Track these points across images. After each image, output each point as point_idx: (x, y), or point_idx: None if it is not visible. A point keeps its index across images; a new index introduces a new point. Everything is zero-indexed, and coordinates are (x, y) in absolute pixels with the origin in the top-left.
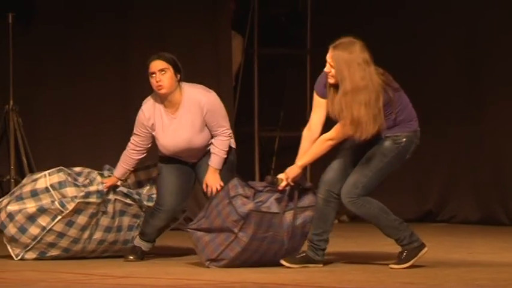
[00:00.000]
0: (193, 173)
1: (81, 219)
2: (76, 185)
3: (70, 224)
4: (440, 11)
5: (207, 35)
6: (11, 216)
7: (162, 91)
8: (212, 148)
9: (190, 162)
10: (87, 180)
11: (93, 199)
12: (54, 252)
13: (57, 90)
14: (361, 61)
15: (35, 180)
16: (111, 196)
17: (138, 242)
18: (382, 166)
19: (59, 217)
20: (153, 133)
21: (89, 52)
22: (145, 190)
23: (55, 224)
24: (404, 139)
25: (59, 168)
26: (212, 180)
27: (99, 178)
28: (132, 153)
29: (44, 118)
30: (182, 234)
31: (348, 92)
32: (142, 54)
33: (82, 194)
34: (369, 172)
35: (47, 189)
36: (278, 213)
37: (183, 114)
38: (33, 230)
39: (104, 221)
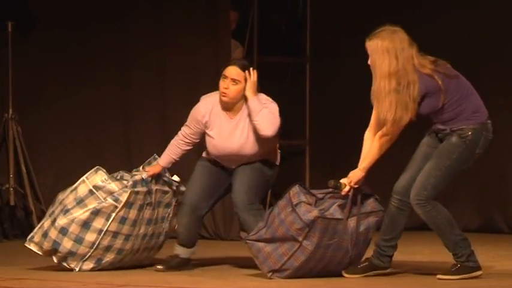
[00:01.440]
0: (228, 180)
1: (132, 214)
2: (118, 179)
3: (123, 221)
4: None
5: (207, 43)
6: (63, 230)
7: (225, 99)
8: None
9: (229, 168)
10: (128, 176)
11: (140, 188)
12: (109, 257)
13: (56, 99)
14: (391, 48)
15: (74, 189)
16: (153, 186)
17: (176, 248)
18: (450, 164)
19: (114, 214)
20: (206, 131)
21: (88, 60)
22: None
23: (110, 223)
24: (470, 132)
25: (95, 168)
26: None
27: (141, 169)
28: (180, 143)
29: (44, 127)
30: None
31: (376, 79)
32: (142, 63)
33: (130, 183)
34: (437, 171)
35: (91, 192)
36: (342, 220)
37: (242, 120)
38: (90, 237)
39: (147, 213)
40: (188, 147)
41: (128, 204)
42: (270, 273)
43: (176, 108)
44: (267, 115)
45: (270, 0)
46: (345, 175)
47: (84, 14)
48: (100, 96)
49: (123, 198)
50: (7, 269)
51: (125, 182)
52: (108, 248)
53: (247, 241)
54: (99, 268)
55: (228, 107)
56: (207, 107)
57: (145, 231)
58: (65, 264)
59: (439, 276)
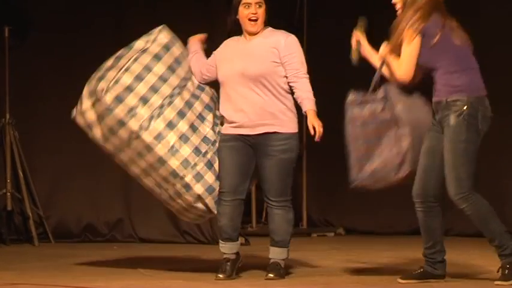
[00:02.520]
0: (254, 157)
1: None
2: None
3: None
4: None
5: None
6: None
7: (255, 27)
8: (299, 92)
9: (250, 135)
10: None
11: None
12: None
13: (53, 104)
14: None
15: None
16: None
17: (222, 247)
18: (466, 146)
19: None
20: (216, 62)
21: (85, 66)
22: None
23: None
24: (465, 107)
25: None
26: (317, 122)
27: None
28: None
29: (41, 132)
30: (180, 247)
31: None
32: None
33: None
34: (460, 159)
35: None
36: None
37: (259, 42)
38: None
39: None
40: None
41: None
42: (397, 173)
43: None
44: (310, 89)
45: (268, 8)
46: (342, 177)
47: (81, 19)
48: None
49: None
50: (4, 274)
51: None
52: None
53: (356, 184)
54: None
55: (254, 33)
56: (224, 44)
57: (179, 84)
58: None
59: (496, 282)
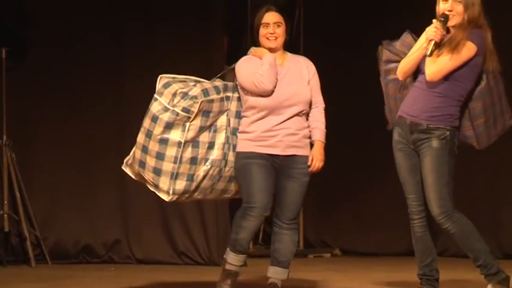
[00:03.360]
0: (275, 175)
1: (203, 121)
2: (182, 81)
3: (200, 129)
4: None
5: (200, 65)
6: (144, 148)
7: (273, 44)
8: (313, 122)
9: (279, 156)
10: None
11: (213, 96)
12: (198, 169)
13: (50, 125)
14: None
15: (148, 109)
16: (230, 93)
17: (231, 257)
18: (448, 167)
19: (188, 124)
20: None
21: (82, 87)
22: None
23: (187, 132)
24: (448, 132)
25: (164, 82)
26: (320, 155)
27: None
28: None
29: (38, 153)
30: (177, 268)
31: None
32: (136, 91)
33: (199, 91)
34: (443, 179)
35: (154, 99)
36: None
37: (291, 66)
38: (170, 151)
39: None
40: None
41: (204, 113)
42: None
43: None
44: (324, 121)
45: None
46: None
47: (79, 39)
48: (94, 123)
49: (194, 109)
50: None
51: (190, 83)
52: (193, 160)
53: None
54: (194, 187)
55: (273, 49)
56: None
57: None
58: (158, 194)
59: None
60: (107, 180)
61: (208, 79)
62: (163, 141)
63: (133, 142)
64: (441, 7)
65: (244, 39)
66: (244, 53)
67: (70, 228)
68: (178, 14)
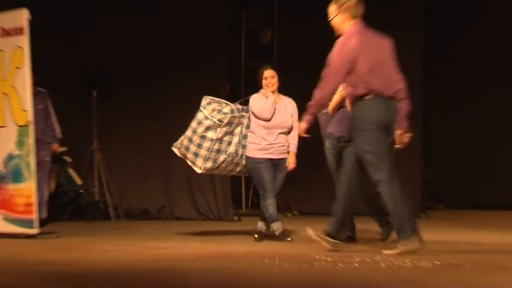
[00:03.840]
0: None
1: (229, 128)
2: (218, 102)
3: (225, 133)
4: None
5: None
6: (190, 139)
7: (271, 89)
8: (291, 139)
9: (277, 158)
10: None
11: (236, 113)
12: (220, 157)
13: (126, 136)
14: None
15: (195, 117)
16: (244, 113)
17: (274, 225)
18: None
19: (219, 129)
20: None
21: (144, 110)
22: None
23: (218, 133)
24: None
25: (207, 100)
26: (292, 161)
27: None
28: None
29: (116, 154)
30: (199, 222)
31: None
32: (175, 108)
33: (229, 109)
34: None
35: (200, 110)
36: None
37: (282, 104)
38: (206, 143)
39: (237, 128)
40: None
41: (229, 123)
42: None
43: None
44: (297, 141)
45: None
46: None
47: (155, 64)
48: (146, 132)
49: (225, 120)
50: (94, 238)
51: (224, 104)
52: (218, 151)
53: None
54: (216, 166)
55: (272, 94)
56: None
57: (238, 141)
58: (192, 165)
59: (383, 251)
60: (156, 168)
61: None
62: (203, 137)
63: (172, 141)
64: None
65: (239, 85)
66: (242, 96)
67: (135, 198)
68: (189, 66)
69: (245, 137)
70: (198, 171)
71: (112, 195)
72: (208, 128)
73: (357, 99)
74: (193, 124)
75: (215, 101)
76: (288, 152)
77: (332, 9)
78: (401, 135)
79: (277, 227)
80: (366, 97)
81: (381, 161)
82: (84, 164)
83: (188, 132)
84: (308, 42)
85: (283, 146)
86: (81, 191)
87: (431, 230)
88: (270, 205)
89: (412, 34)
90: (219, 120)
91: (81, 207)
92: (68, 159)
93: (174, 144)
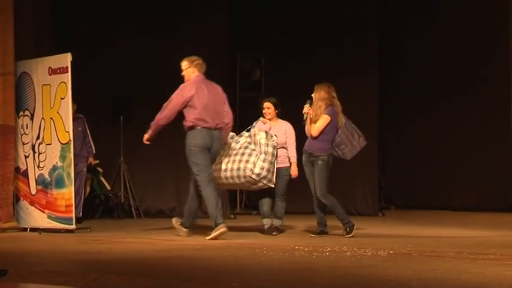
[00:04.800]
0: None
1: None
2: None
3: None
4: None
5: None
6: (271, 163)
7: (268, 117)
8: (291, 154)
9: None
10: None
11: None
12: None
13: (145, 151)
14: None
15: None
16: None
17: (275, 221)
18: (325, 173)
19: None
20: None
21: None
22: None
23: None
24: (326, 156)
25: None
26: (294, 169)
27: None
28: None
29: (139, 165)
30: (203, 219)
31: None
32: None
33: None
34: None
35: (262, 141)
36: None
37: (277, 126)
38: (273, 158)
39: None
40: None
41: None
42: None
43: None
44: (295, 154)
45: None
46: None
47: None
48: (162, 148)
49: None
50: (119, 233)
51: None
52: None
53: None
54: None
55: (270, 121)
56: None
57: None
58: (270, 184)
59: (345, 236)
60: (169, 176)
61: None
62: (273, 155)
63: (181, 155)
64: (305, 108)
65: (235, 113)
66: (237, 122)
67: (152, 200)
68: None
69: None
70: (273, 185)
71: (134, 198)
72: (274, 147)
73: (189, 128)
74: (269, 150)
75: (252, 133)
76: (290, 163)
77: (185, 63)
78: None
79: (266, 222)
80: (196, 128)
81: (203, 171)
82: (113, 173)
83: (268, 158)
84: (288, 79)
85: (280, 157)
86: (110, 194)
87: (386, 226)
88: (265, 204)
89: (368, 70)
90: (273, 140)
91: (110, 207)
92: (100, 169)
93: (261, 178)
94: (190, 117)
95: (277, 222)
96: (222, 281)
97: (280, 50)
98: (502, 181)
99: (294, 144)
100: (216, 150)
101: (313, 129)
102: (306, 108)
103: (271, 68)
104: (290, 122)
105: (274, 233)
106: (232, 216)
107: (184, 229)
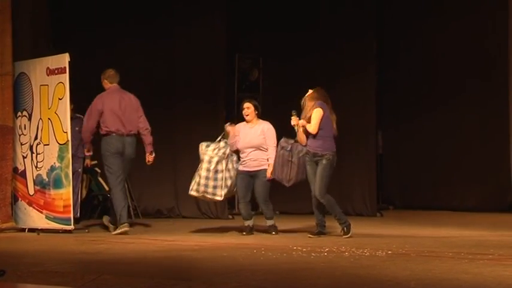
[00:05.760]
0: (252, 181)
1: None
2: (213, 142)
3: (227, 162)
4: None
5: (211, 124)
6: (206, 178)
7: (247, 118)
8: (269, 156)
9: (251, 170)
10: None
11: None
12: (228, 181)
13: (143, 153)
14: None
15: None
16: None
17: (245, 221)
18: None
19: (224, 160)
20: (236, 136)
21: (158, 133)
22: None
23: (224, 164)
24: (331, 156)
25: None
26: (271, 171)
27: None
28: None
29: (136, 166)
30: (201, 220)
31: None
32: (184, 135)
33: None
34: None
35: (203, 154)
36: None
37: (255, 129)
38: (219, 175)
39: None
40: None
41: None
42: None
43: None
44: (274, 156)
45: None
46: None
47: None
48: (159, 150)
49: (227, 151)
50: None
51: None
52: (227, 178)
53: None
54: (229, 190)
55: (249, 122)
56: (238, 125)
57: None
58: (212, 197)
59: (343, 236)
60: (166, 177)
61: (216, 134)
62: (216, 172)
63: (179, 158)
64: (293, 120)
65: (233, 113)
66: (236, 121)
67: (150, 201)
68: (194, 99)
69: (232, 161)
70: (220, 199)
71: (132, 199)
72: (217, 163)
73: (103, 135)
74: (204, 166)
75: (210, 143)
76: (268, 165)
77: (101, 77)
78: (148, 157)
79: (246, 223)
80: (110, 134)
81: (115, 174)
82: None
83: (203, 173)
84: (287, 79)
85: (255, 160)
86: (108, 195)
87: (385, 227)
88: (241, 209)
89: (366, 71)
90: (223, 153)
91: (108, 208)
92: (98, 170)
93: (190, 190)
94: (104, 124)
95: (270, 223)
96: (220, 281)
97: (279, 50)
98: (500, 181)
99: (274, 144)
100: (129, 154)
101: (310, 127)
102: (294, 120)
103: (269, 69)
104: (288, 123)
105: (273, 233)
106: (230, 216)
107: (112, 226)
